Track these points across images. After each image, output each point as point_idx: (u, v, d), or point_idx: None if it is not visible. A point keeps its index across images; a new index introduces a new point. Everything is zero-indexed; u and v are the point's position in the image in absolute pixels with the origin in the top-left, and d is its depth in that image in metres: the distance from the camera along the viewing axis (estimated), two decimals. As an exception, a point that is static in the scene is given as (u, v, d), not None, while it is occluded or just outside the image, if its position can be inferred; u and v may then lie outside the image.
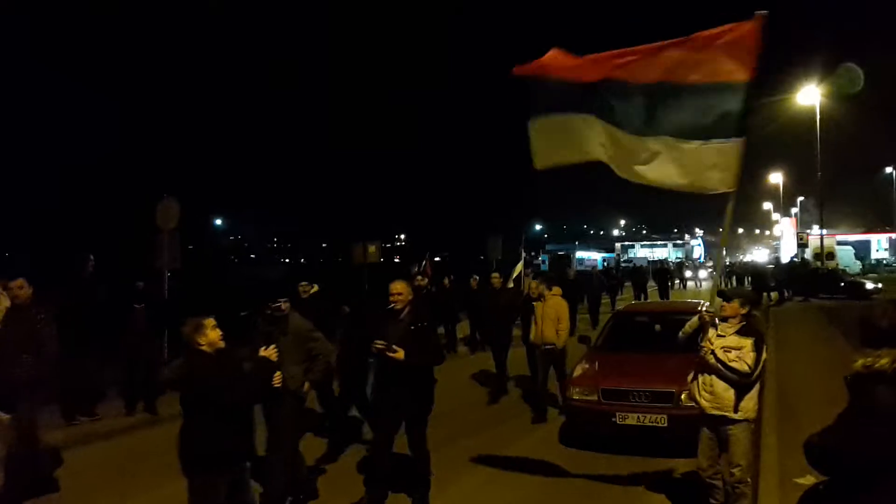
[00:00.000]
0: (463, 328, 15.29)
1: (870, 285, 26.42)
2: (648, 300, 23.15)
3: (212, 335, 4.29)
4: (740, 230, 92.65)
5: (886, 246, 54.27)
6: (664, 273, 28.03)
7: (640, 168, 5.16)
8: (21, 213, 67.92)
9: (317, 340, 5.79)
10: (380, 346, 5.28)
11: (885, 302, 2.74)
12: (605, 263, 50.70)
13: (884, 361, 2.47)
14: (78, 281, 9.26)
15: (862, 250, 48.92)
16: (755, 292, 23.19)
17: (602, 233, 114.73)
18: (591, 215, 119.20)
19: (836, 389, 2.79)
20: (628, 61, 5.10)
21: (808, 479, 3.95)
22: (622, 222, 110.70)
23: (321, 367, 5.87)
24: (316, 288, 8.59)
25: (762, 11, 4.68)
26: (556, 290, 8.98)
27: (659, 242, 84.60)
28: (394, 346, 5.25)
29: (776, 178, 58.55)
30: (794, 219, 57.58)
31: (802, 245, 39.15)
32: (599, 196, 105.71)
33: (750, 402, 4.97)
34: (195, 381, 4.18)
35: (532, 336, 8.89)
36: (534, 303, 8.90)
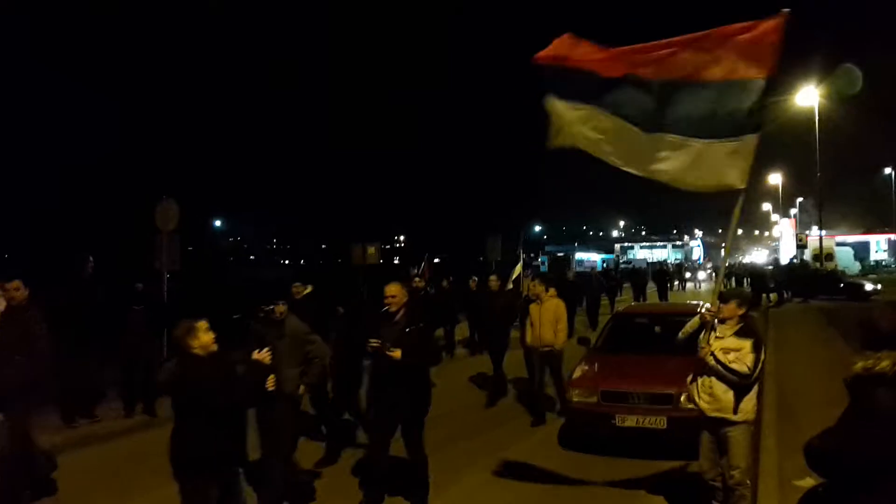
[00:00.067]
0: (462, 330, 15.24)
1: (869, 286, 26.39)
2: (647, 301, 23.17)
3: (204, 338, 4.25)
4: (739, 231, 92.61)
5: (885, 247, 54.33)
6: (663, 274, 28.12)
7: (656, 166, 5.13)
8: (21, 213, 67.84)
9: (313, 343, 5.77)
10: (375, 345, 5.25)
11: (885, 304, 2.74)
12: (605, 265, 50.75)
13: (884, 364, 2.47)
14: (77, 281, 9.24)
15: (861, 251, 48.98)
16: (754, 293, 23.24)
17: (601, 234, 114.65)
18: (590, 216, 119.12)
19: (836, 391, 2.79)
20: (648, 58, 5.06)
21: (807, 482, 3.92)
22: (621, 223, 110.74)
23: (317, 370, 5.85)
24: (310, 288, 8.56)
25: (786, 9, 4.68)
26: (553, 291, 8.91)
27: (658, 244, 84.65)
28: (390, 346, 5.23)
29: (775, 178, 58.57)
30: (793, 220, 57.68)
31: (801, 246, 39.20)
32: (599, 197, 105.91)
33: (749, 403, 4.96)
34: (187, 384, 4.15)
35: (529, 339, 8.73)
36: (530, 305, 8.79)
